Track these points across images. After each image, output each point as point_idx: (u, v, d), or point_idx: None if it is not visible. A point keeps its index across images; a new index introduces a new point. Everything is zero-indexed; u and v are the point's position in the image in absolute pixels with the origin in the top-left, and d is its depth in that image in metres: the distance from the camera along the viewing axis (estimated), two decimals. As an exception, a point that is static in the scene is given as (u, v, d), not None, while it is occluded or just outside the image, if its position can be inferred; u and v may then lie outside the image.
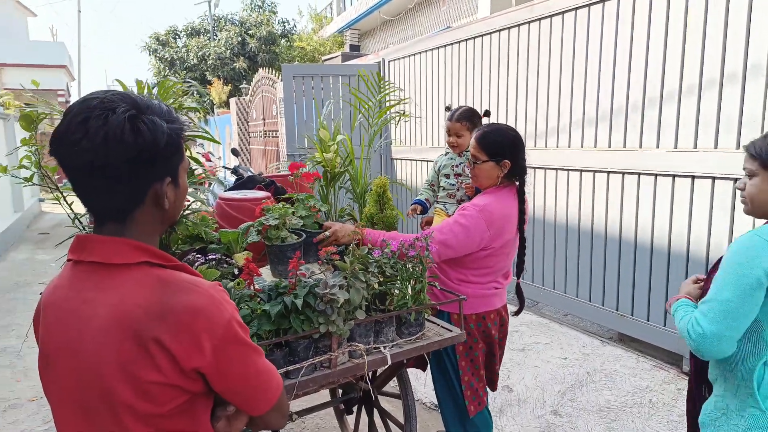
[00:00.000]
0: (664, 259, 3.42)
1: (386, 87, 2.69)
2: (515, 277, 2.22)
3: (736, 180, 2.98)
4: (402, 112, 2.82)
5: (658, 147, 3.39)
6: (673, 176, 3.31)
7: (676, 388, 3.14)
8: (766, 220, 1.39)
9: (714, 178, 3.09)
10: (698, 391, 1.55)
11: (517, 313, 2.25)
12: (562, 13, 3.95)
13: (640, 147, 3.50)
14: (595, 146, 3.82)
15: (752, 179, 1.39)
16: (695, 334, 1.30)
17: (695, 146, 3.17)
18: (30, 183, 1.66)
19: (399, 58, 6.26)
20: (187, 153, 2.04)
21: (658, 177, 3.41)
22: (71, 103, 0.87)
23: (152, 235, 0.95)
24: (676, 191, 3.31)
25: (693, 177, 3.20)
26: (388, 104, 2.76)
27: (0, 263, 6.75)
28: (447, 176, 2.69)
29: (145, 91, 1.87)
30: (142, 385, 0.84)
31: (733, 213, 3.01)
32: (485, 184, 2.09)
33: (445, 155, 2.76)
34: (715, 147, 3.07)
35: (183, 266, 0.94)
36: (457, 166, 2.66)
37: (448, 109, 2.73)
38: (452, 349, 2.12)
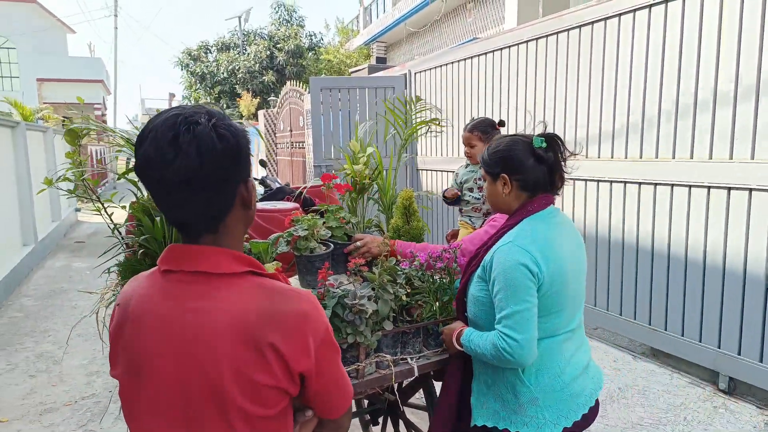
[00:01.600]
0: (699, 271, 3.32)
1: (415, 105, 2.70)
2: None
3: (774, 191, 2.89)
4: (429, 128, 2.82)
5: (691, 157, 3.31)
6: (708, 187, 3.22)
7: (712, 405, 3.03)
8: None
9: (751, 190, 3.00)
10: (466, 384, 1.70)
11: None
12: (592, 23, 3.92)
13: (674, 157, 3.42)
14: (626, 157, 3.75)
15: (486, 183, 1.68)
16: (509, 346, 1.43)
17: (731, 157, 3.09)
18: (74, 195, 1.72)
19: (425, 70, 6.29)
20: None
21: (692, 188, 3.33)
22: (144, 126, 0.89)
23: (240, 240, 0.97)
24: (711, 203, 3.23)
25: (729, 188, 3.11)
26: (416, 120, 2.76)
27: (38, 271, 6.99)
28: (471, 190, 2.67)
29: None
30: (257, 388, 0.86)
31: (772, 225, 2.92)
32: None
33: (465, 167, 2.74)
34: (752, 158, 2.99)
35: (276, 275, 0.98)
36: (479, 179, 2.64)
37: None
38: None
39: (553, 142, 1.57)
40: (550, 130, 1.62)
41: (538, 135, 1.57)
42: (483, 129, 2.60)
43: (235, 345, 0.85)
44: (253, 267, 0.93)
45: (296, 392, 0.93)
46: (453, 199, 2.78)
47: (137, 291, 0.95)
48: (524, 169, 1.57)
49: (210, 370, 0.85)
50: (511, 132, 4.91)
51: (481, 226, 2.53)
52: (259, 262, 0.96)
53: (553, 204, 1.62)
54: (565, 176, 1.62)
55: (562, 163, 1.60)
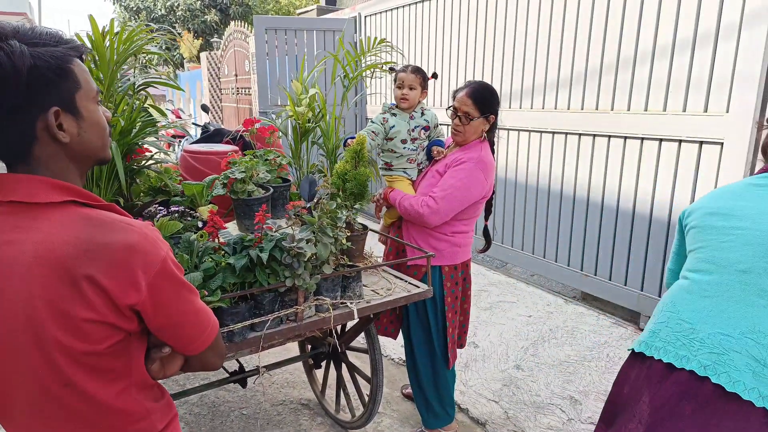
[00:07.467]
0: (628, 220, 3.50)
1: (373, 46, 2.59)
2: (484, 220, 2.43)
3: (701, 144, 3.05)
4: (373, 72, 2.70)
5: (629, 110, 3.42)
6: (642, 138, 3.36)
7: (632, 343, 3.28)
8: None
9: (681, 141, 3.15)
10: None
11: (483, 251, 2.48)
12: (541, -30, 3.87)
13: (612, 109, 3.52)
14: (568, 108, 3.83)
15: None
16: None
17: (664, 109, 3.21)
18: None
19: (376, 13, 6.08)
20: (149, 103, 1.96)
21: (627, 139, 3.45)
22: None
23: (67, 173, 0.90)
24: (643, 153, 3.37)
25: (660, 140, 3.25)
26: (368, 62, 2.65)
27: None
28: (404, 141, 2.53)
29: (107, 41, 1.77)
30: (75, 322, 0.83)
31: (697, 174, 3.09)
32: (472, 139, 2.22)
33: (393, 116, 2.58)
34: (684, 110, 3.12)
35: (111, 206, 0.93)
36: (412, 130, 2.53)
37: (392, 70, 2.59)
38: (441, 302, 2.23)
39: None
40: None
41: None
42: (424, 76, 2.51)
43: (48, 278, 0.82)
44: (79, 197, 0.88)
45: (133, 327, 0.90)
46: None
47: None
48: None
49: (25, 304, 0.83)
50: (445, 83, 4.96)
51: (420, 176, 2.50)
52: (89, 192, 0.90)
53: None
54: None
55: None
